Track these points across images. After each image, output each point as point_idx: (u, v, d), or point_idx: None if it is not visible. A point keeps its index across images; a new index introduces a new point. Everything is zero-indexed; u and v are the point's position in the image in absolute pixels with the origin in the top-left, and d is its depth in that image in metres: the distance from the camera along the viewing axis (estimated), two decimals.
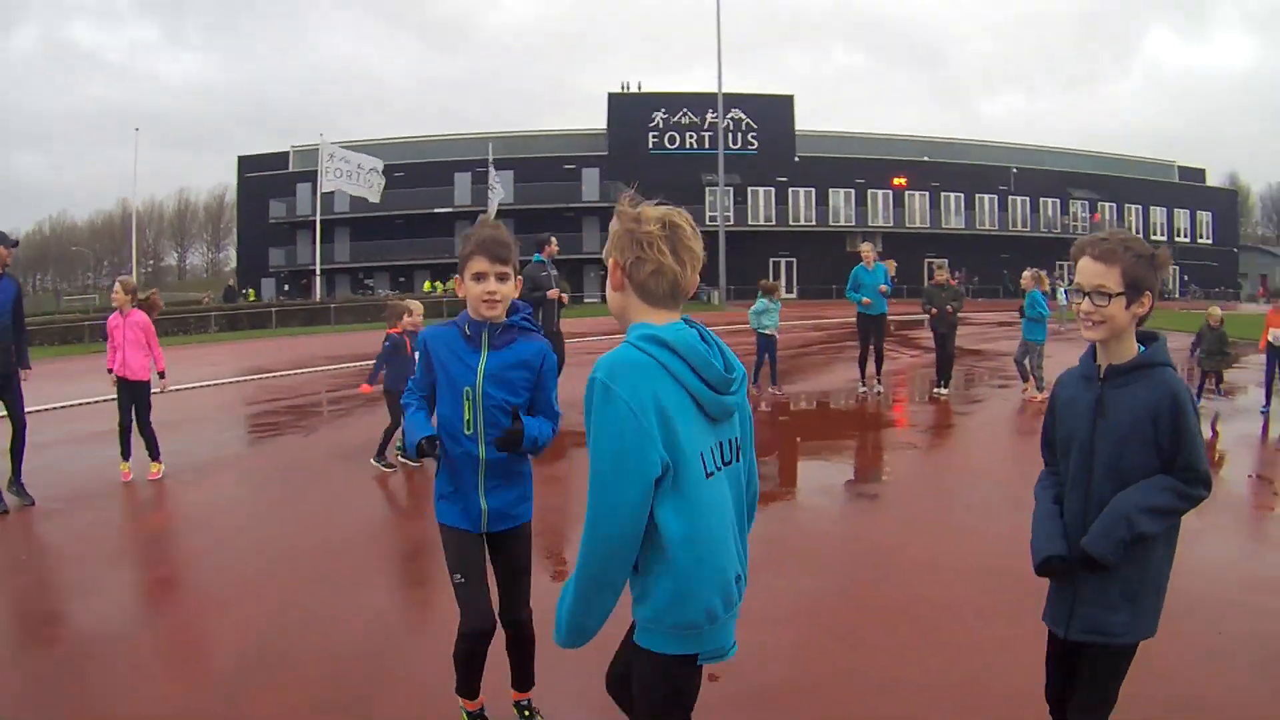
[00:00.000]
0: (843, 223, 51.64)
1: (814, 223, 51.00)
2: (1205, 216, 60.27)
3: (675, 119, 51.14)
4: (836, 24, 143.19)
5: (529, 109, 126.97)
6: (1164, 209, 58.26)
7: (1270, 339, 11.24)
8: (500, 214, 43.70)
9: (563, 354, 9.85)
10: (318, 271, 41.88)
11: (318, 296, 42.45)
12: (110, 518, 6.75)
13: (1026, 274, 12.36)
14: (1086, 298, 2.38)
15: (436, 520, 3.10)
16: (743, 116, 50.60)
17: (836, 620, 4.27)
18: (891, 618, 4.24)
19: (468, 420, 2.97)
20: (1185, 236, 58.60)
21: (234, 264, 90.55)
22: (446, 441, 3.00)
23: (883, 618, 4.24)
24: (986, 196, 53.70)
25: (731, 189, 46.16)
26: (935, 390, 11.95)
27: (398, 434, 7.93)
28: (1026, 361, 11.88)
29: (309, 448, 9.48)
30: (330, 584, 4.97)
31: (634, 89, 53.11)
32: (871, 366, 12.01)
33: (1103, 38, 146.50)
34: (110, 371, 7.74)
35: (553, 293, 9.94)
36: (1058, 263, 52.41)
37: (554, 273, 10.18)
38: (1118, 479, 2.38)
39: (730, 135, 48.87)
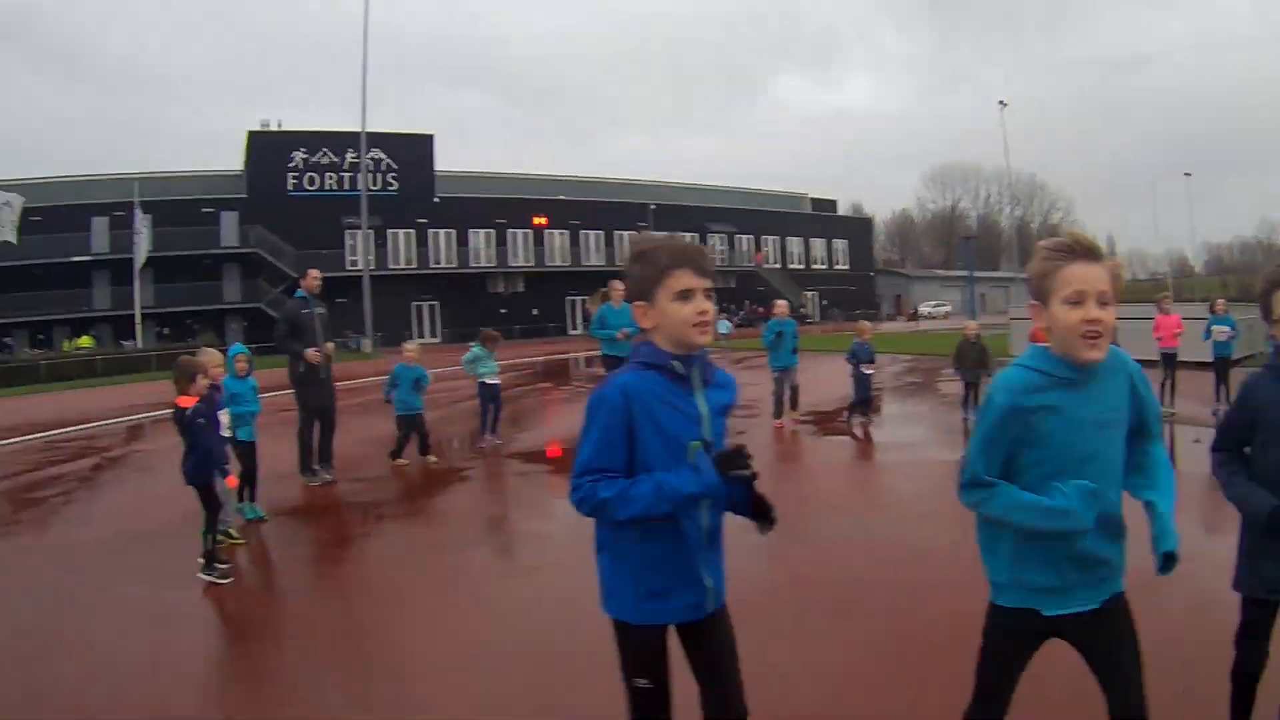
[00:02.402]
0: (484, 263, 53.31)
1: (455, 264, 52.34)
2: (840, 244, 66.50)
3: (315, 159, 51.71)
4: (464, 66, 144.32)
5: (164, 149, 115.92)
6: (800, 239, 63.89)
7: None
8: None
9: (334, 408, 9.24)
10: None
11: None
12: None
13: (782, 304, 12.60)
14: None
15: (631, 622, 2.47)
16: (383, 156, 51.97)
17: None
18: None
19: None
20: (822, 264, 64.42)
21: None
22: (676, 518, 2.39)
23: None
24: (626, 233, 56.81)
25: (372, 232, 46.58)
26: None
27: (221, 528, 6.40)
28: (785, 391, 12.08)
29: (62, 547, 7.35)
30: None
31: (274, 127, 52.93)
32: None
33: (734, 80, 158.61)
34: None
35: (313, 354, 8.81)
36: None
37: (319, 311, 9.07)
38: None
39: (371, 175, 49.71)
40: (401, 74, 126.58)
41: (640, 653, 2.47)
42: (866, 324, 12.86)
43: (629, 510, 2.33)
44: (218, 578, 5.83)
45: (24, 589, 6.09)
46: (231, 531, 6.77)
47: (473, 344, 11.63)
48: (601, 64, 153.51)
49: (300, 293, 9.13)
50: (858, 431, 11.79)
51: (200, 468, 5.92)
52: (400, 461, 9.99)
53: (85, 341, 45.16)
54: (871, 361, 12.27)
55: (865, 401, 12.23)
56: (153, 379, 33.72)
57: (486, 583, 5.86)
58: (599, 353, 11.72)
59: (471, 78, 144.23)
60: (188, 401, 5.84)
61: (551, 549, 6.49)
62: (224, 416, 6.77)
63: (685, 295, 2.38)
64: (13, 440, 15.49)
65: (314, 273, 9.28)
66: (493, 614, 5.16)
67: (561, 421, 13.92)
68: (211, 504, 5.99)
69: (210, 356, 6.68)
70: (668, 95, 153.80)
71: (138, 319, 43.78)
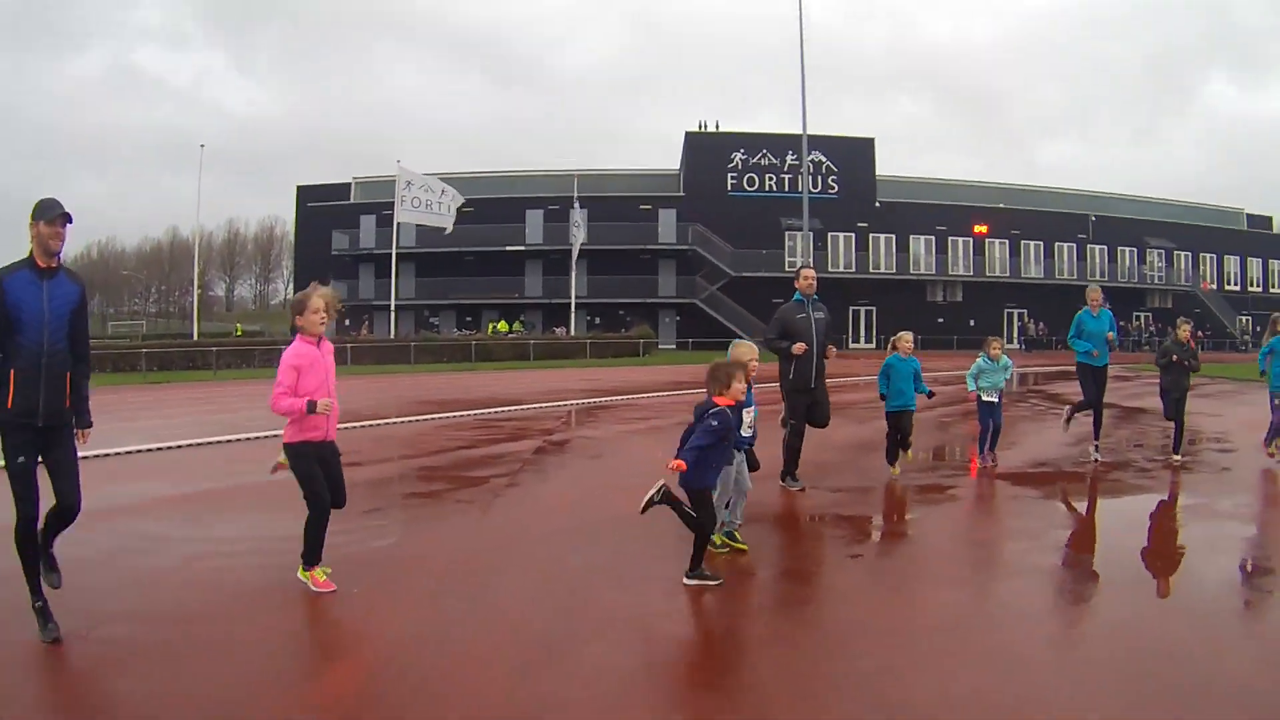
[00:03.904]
0: (923, 271, 50.92)
1: (894, 270, 50.22)
2: (1277, 265, 58.81)
3: (754, 160, 50.22)
4: (888, 71, 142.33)
5: (595, 150, 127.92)
6: (1237, 257, 57.08)
7: None
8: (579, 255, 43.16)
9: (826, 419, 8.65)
10: (393, 308, 40.82)
11: (392, 333, 41.22)
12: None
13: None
14: None
15: None
16: (823, 159, 49.55)
17: None
18: None
19: None
20: (1258, 285, 57.53)
21: (282, 296, 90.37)
22: None
23: None
24: (1065, 245, 52.91)
25: (813, 234, 45.36)
26: (1172, 457, 10.47)
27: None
28: None
29: (512, 528, 6.97)
30: None
31: (711, 129, 52.25)
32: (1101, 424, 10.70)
33: (1161, 87, 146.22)
34: (288, 444, 5.10)
35: (799, 346, 8.11)
36: (1133, 314, 52.19)
37: (818, 316, 8.38)
38: None
39: (811, 178, 48.08)
40: (836, 80, 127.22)
41: None
42: None
43: None
44: (708, 580, 5.41)
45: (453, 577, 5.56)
46: (716, 539, 6.06)
47: (979, 355, 10.43)
48: (1033, 71, 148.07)
49: (797, 295, 8.47)
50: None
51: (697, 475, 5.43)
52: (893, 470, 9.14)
53: (504, 326, 46.12)
54: None
55: None
56: (584, 365, 34.81)
57: (991, 629, 4.80)
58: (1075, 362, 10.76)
59: (904, 84, 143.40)
60: (723, 402, 5.56)
61: (1047, 589, 5.55)
62: (747, 415, 6.26)
63: None
64: (445, 415, 15.31)
65: (807, 272, 8.57)
66: (1003, 664, 4.23)
67: (1027, 442, 12.11)
68: (698, 505, 5.46)
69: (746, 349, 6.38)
70: (1094, 101, 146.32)
71: (571, 308, 44.26)
